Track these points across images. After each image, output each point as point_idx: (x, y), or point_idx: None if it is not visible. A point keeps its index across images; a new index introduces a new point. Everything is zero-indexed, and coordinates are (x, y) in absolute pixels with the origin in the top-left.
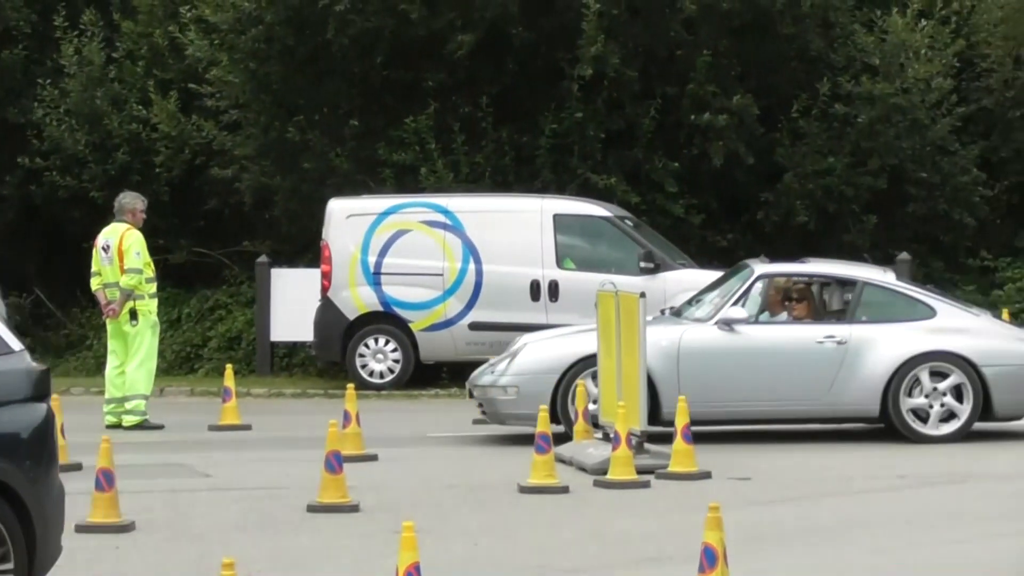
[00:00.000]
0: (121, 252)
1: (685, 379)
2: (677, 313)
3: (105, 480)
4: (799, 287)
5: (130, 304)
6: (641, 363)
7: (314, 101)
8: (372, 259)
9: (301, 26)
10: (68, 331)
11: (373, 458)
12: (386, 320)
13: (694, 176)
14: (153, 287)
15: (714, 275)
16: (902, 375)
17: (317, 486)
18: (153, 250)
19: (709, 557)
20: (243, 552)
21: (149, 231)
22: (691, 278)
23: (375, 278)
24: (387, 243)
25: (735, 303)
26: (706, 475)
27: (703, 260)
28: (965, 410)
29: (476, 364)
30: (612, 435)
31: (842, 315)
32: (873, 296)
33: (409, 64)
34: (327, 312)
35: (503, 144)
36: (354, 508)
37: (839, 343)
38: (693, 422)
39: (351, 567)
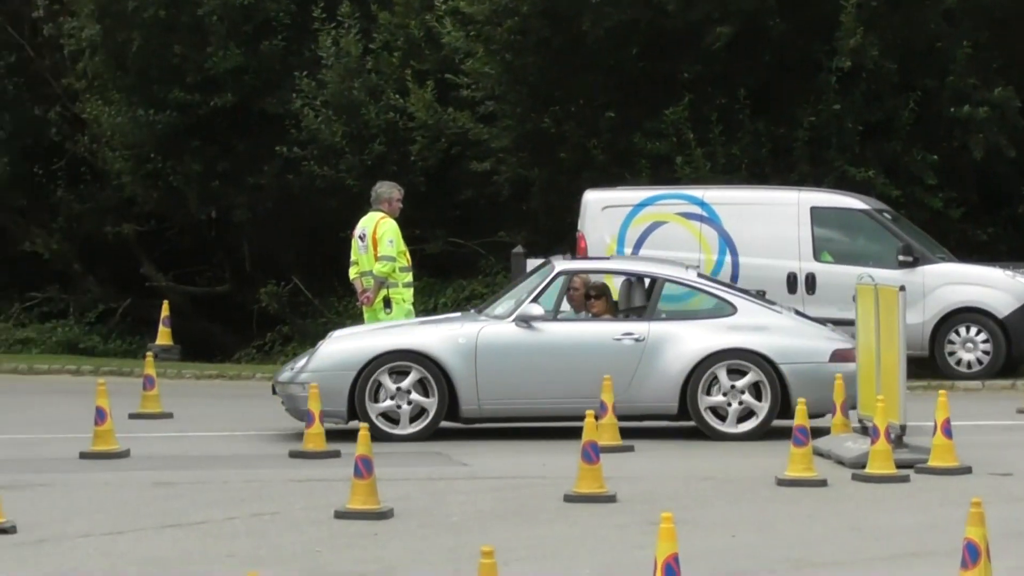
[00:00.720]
0: (375, 240)
1: (482, 376)
2: (480, 311)
3: (364, 467)
4: (598, 284)
5: (384, 292)
6: (900, 357)
7: (570, 92)
8: (628, 250)
9: (556, 18)
10: (325, 319)
11: (629, 449)
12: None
13: (953, 169)
14: (408, 276)
15: (975, 269)
16: (700, 372)
17: (574, 476)
18: (409, 240)
19: (971, 553)
20: (500, 541)
21: (405, 221)
22: (951, 272)
23: None
24: (643, 235)
25: (533, 300)
26: (966, 470)
27: (962, 255)
28: (764, 408)
29: None
30: (871, 429)
31: (643, 312)
32: (673, 293)
33: (665, 56)
34: None
35: (760, 136)
36: (610, 498)
37: (637, 340)
38: (493, 419)
39: (607, 557)
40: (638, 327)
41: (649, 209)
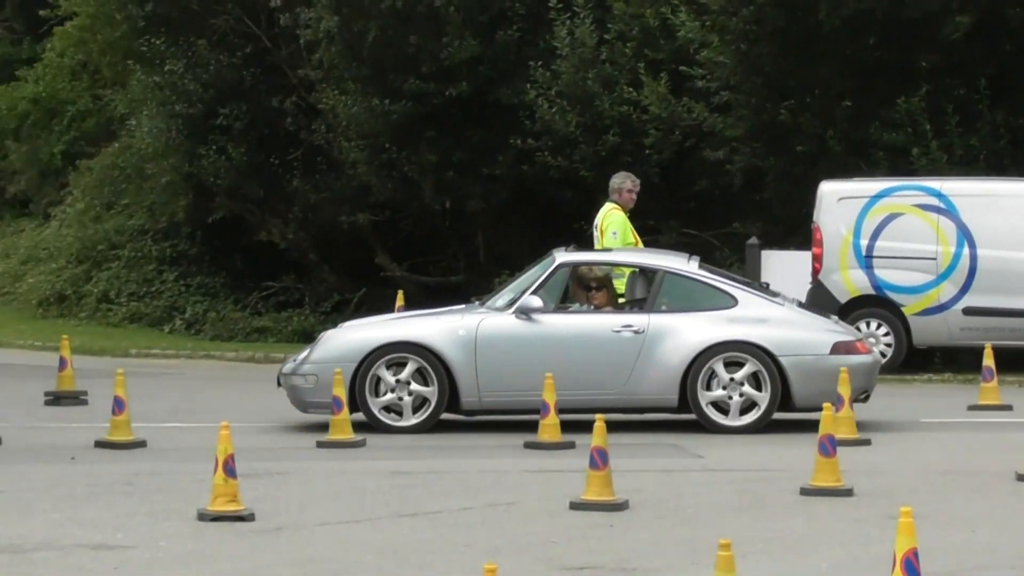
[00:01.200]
0: (601, 231)
1: (482, 368)
2: (483, 303)
3: (600, 458)
4: (599, 276)
5: None
6: None
7: (805, 83)
8: (864, 242)
9: (792, 7)
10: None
11: (866, 443)
12: (878, 304)
13: None
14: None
15: None
16: (699, 365)
17: (810, 469)
18: (643, 231)
19: None
20: (736, 533)
21: (639, 212)
22: None
23: (867, 261)
24: (879, 226)
25: (533, 292)
26: None
27: None
28: (764, 401)
29: (970, 350)
30: None
31: (644, 304)
32: (674, 285)
33: (902, 45)
34: (818, 295)
35: (998, 127)
36: (848, 492)
37: (636, 332)
38: (493, 411)
39: (845, 551)
40: (638, 319)
41: (886, 200)
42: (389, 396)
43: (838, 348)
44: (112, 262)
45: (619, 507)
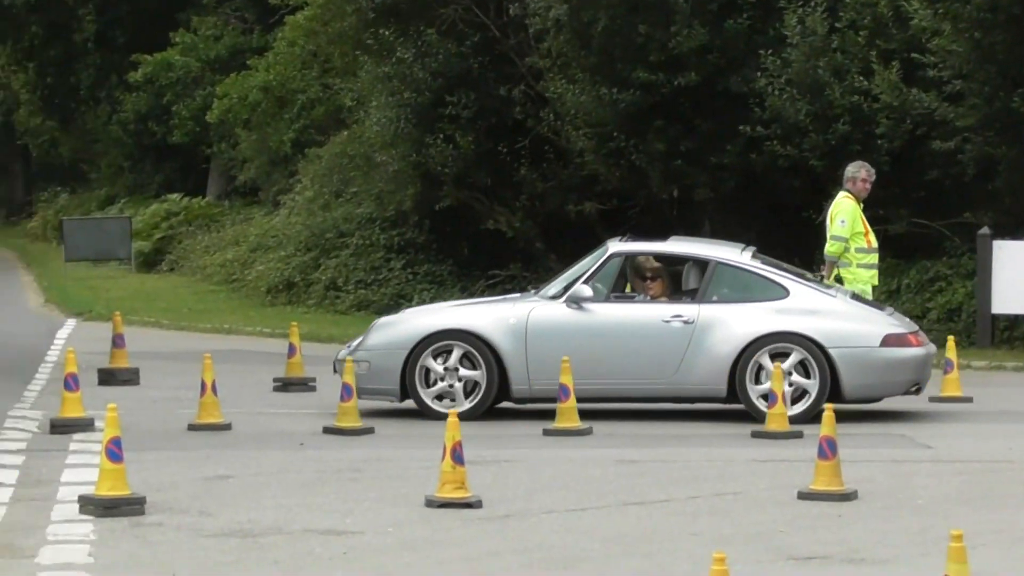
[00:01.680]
0: (831, 219)
1: (532, 356)
2: (537, 291)
3: (828, 448)
4: (654, 267)
5: (836, 271)
6: None
7: None
8: None
9: None
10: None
11: None
12: None
13: None
14: (867, 257)
15: None
16: (748, 356)
17: None
18: (873, 220)
19: None
20: (966, 525)
21: (870, 201)
22: None
23: None
24: None
25: (585, 281)
26: None
27: None
28: (813, 389)
29: None
30: None
31: (695, 294)
32: (726, 276)
33: None
34: None
35: None
36: None
37: (686, 323)
38: (542, 400)
39: None
40: (688, 310)
41: None
42: (440, 384)
43: (889, 340)
44: (340, 250)
45: (847, 497)
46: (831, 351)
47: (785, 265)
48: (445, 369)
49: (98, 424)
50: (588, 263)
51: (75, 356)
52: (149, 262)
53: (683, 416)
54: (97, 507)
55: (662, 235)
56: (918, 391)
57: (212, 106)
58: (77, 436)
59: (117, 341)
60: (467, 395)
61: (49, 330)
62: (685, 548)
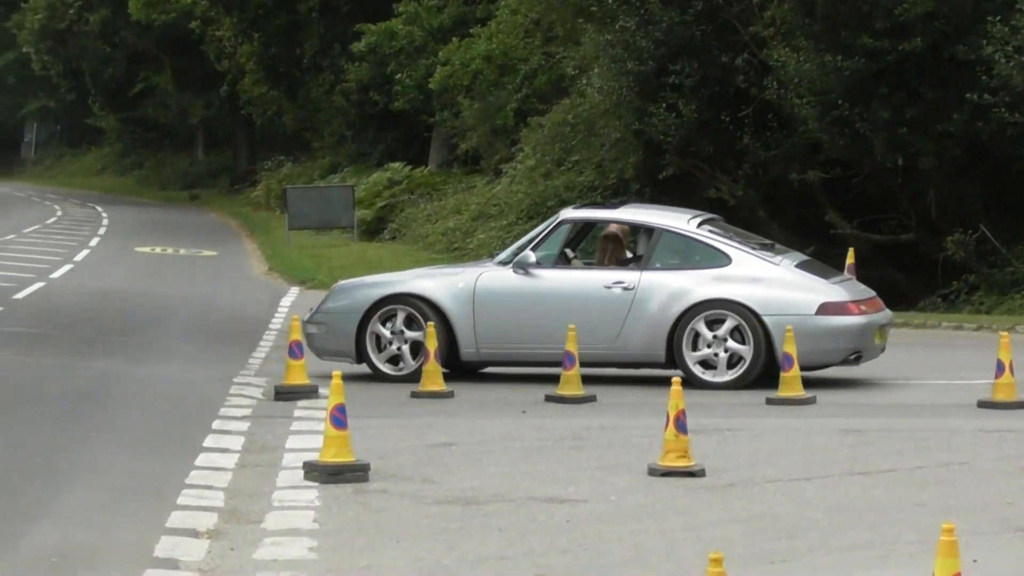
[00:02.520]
0: None
1: (479, 320)
2: (493, 257)
3: None
4: (611, 234)
5: None
6: None
7: None
8: None
9: None
10: (1013, 268)
11: None
12: None
13: None
14: None
15: None
16: (684, 322)
17: None
18: None
19: None
20: None
21: None
22: None
23: None
24: None
25: (533, 247)
26: None
27: None
28: (747, 359)
29: None
30: None
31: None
32: (670, 243)
33: None
34: None
35: None
36: None
37: (626, 289)
38: (488, 363)
39: None
40: (630, 276)
41: None
42: (390, 348)
43: (825, 309)
44: None
45: None
46: (765, 318)
47: (747, 235)
48: (392, 333)
49: (322, 391)
50: (540, 229)
51: (299, 324)
52: (371, 230)
53: (907, 386)
54: (322, 473)
55: (889, 204)
56: (858, 360)
57: (434, 74)
58: (301, 403)
59: None
60: (414, 358)
61: (273, 298)
62: (910, 519)
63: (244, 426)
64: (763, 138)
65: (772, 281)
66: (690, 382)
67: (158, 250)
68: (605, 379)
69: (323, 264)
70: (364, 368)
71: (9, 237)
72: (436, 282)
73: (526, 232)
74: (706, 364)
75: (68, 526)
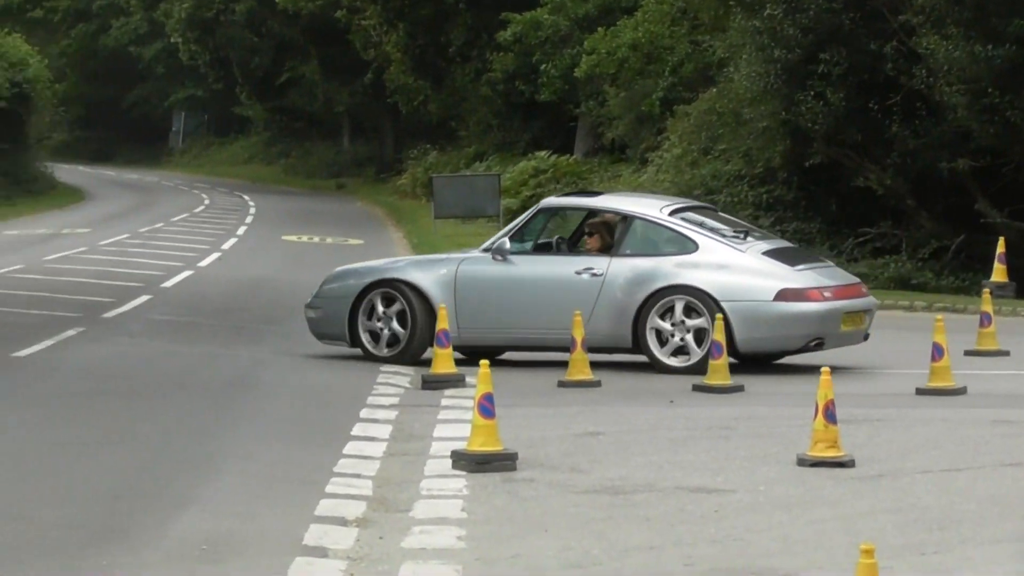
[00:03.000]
0: None
1: (460, 305)
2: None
3: None
4: (592, 222)
5: None
6: None
7: None
8: None
9: None
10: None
11: None
12: None
13: None
14: None
15: None
16: (648, 307)
17: None
18: None
19: None
20: None
21: None
22: None
23: None
24: None
25: (511, 234)
26: None
27: None
28: (704, 344)
29: None
30: None
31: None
32: (641, 231)
33: None
34: None
35: None
36: None
37: (595, 275)
38: (468, 347)
39: None
40: (600, 263)
41: None
42: (383, 333)
43: (784, 295)
44: None
45: None
46: (724, 304)
47: (735, 222)
48: (379, 319)
49: (469, 380)
50: (522, 217)
51: (447, 312)
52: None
53: None
54: (469, 462)
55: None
56: (819, 346)
57: (580, 63)
58: (448, 392)
59: None
60: (398, 342)
61: None
62: None
63: (392, 415)
64: (912, 126)
65: (735, 268)
66: (653, 367)
67: (304, 238)
68: (753, 369)
69: None
70: (506, 357)
71: (158, 226)
72: (422, 268)
73: None
74: (671, 349)
75: (217, 514)
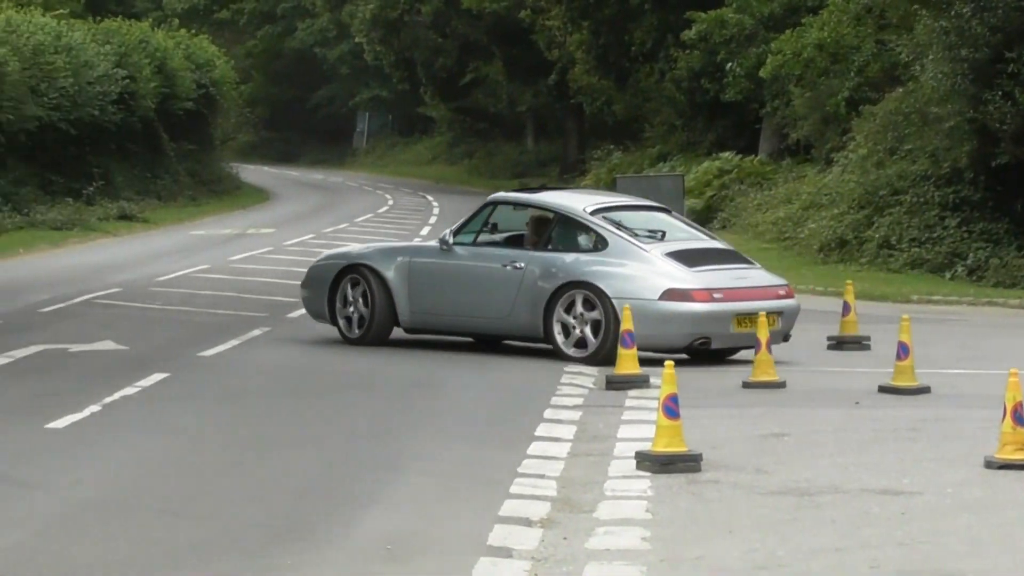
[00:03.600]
0: None
1: (412, 292)
2: None
3: None
4: (532, 217)
5: None
6: None
7: None
8: None
9: None
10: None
11: None
12: None
13: None
14: None
15: None
16: (553, 301)
17: None
18: None
19: None
20: None
21: None
22: None
23: None
24: None
25: (458, 226)
26: None
27: None
28: (600, 336)
29: None
30: None
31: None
32: (564, 227)
33: None
34: None
35: None
36: None
37: (516, 268)
38: (420, 330)
39: None
40: (524, 257)
41: None
42: (349, 309)
43: (669, 295)
44: (893, 207)
45: None
46: (614, 301)
47: (693, 225)
48: (349, 302)
49: (653, 381)
50: (472, 211)
51: (630, 313)
52: (701, 219)
53: None
54: (654, 463)
55: None
56: (705, 345)
57: (765, 63)
58: (632, 392)
59: None
60: (361, 325)
61: None
62: None
63: (576, 415)
64: None
65: (633, 267)
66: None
67: None
68: (940, 370)
69: None
70: (695, 359)
71: (342, 226)
72: (385, 256)
73: (857, 222)
74: (573, 341)
75: (401, 514)
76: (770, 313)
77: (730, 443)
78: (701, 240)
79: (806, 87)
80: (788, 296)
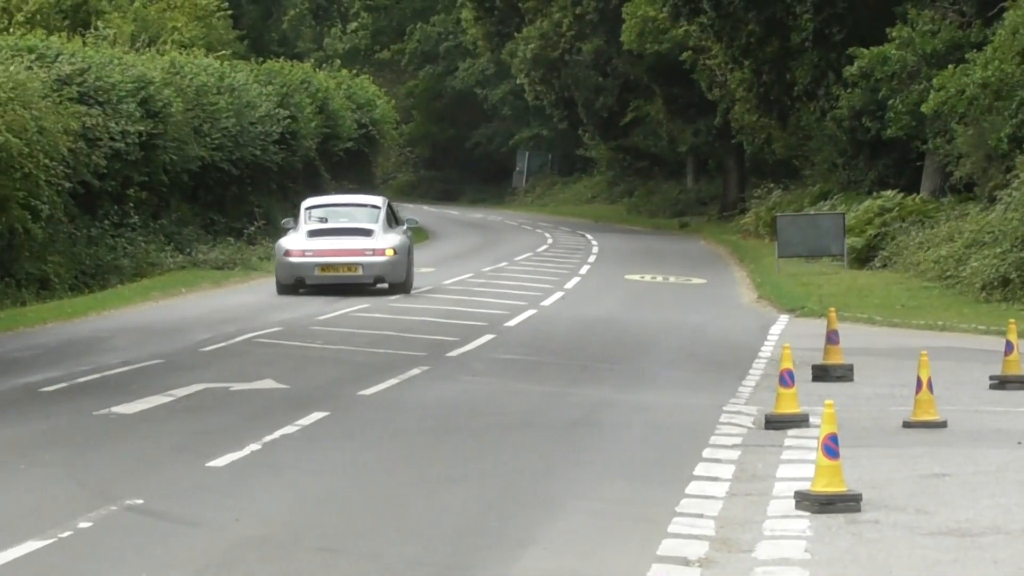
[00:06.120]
0: None
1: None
2: None
3: None
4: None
5: None
6: None
7: None
8: None
9: None
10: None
11: None
12: None
13: None
14: None
15: None
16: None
17: None
18: None
19: None
20: None
21: None
22: None
23: None
24: None
25: (289, 220)
26: None
27: None
28: None
29: None
30: None
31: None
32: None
33: None
34: None
35: None
36: None
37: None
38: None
39: None
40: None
41: None
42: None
43: (288, 253)
44: None
45: None
46: (276, 257)
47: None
48: None
49: (813, 420)
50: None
51: (790, 352)
52: (861, 258)
53: None
54: (813, 503)
55: None
56: (301, 283)
57: (927, 99)
58: (791, 432)
59: (831, 337)
60: None
61: (762, 326)
62: None
63: (735, 455)
64: None
65: (291, 238)
66: None
67: (647, 278)
68: None
69: (813, 292)
70: (852, 399)
71: (502, 265)
72: (287, 239)
73: (1021, 260)
74: None
75: (560, 552)
76: (351, 265)
77: (890, 483)
78: (342, 224)
79: (969, 124)
80: (377, 255)
